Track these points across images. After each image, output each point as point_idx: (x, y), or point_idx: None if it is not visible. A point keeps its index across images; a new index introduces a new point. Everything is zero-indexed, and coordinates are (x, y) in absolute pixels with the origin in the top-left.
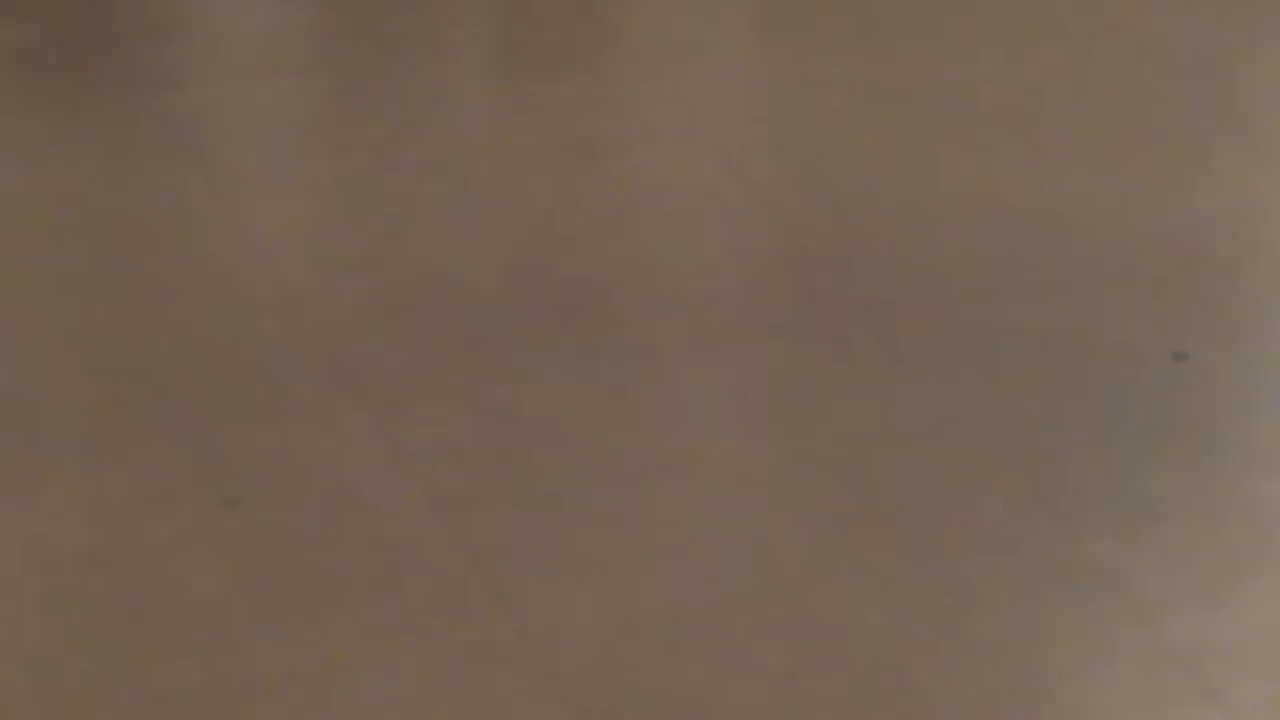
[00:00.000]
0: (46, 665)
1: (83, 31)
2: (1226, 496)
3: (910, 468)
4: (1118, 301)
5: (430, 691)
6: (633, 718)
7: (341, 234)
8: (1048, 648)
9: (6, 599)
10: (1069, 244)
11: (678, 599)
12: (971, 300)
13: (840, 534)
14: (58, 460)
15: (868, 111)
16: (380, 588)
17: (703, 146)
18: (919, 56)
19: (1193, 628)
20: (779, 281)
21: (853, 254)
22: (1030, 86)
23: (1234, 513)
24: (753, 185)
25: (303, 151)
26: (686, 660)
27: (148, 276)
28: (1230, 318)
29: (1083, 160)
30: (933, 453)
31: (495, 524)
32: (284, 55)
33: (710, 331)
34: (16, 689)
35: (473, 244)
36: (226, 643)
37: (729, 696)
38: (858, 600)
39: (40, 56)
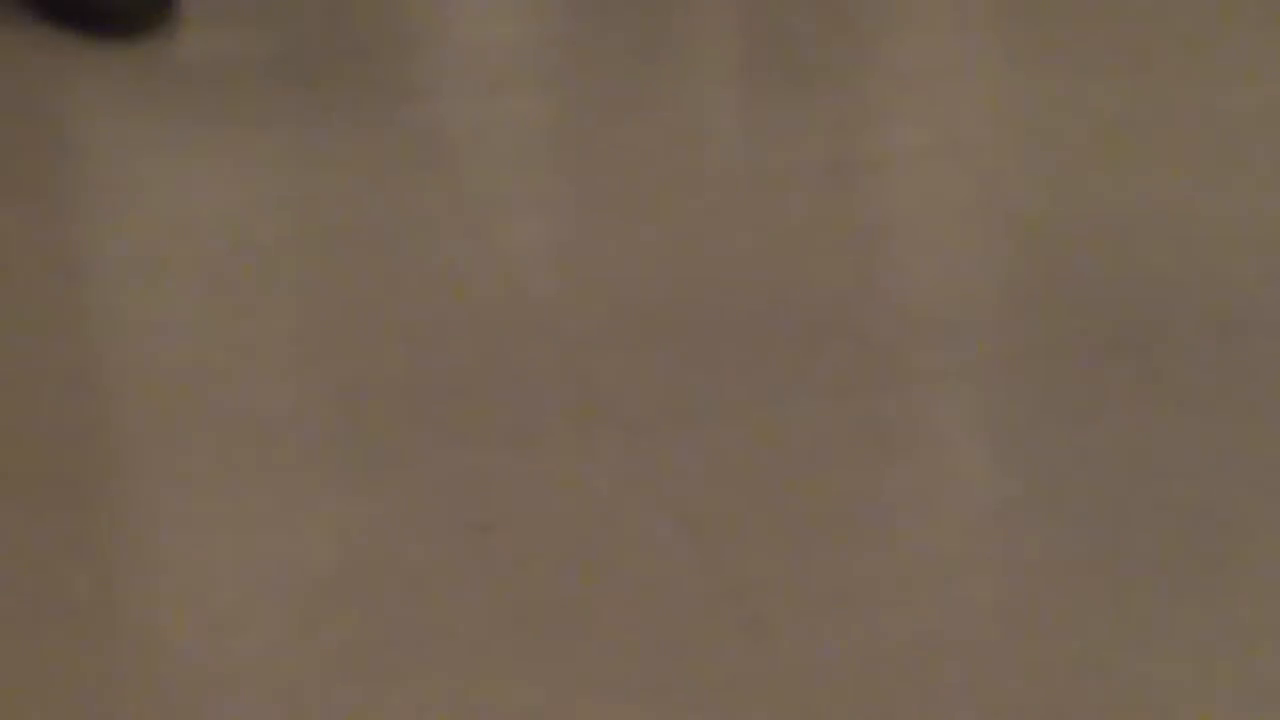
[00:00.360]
0: (296, 694)
1: (328, 42)
2: None
3: (1173, 504)
4: None
5: None
6: None
7: (589, 251)
8: None
9: (257, 624)
10: None
11: (934, 634)
12: (1236, 331)
13: (1099, 571)
14: (306, 482)
15: (1129, 135)
16: (634, 617)
17: (958, 168)
18: (1183, 80)
19: None
20: (1036, 309)
21: (1112, 281)
22: None
23: None
24: (1008, 208)
25: (550, 166)
26: (943, 698)
27: (395, 293)
28: None
29: None
30: (1196, 488)
31: (749, 553)
32: (530, 67)
33: (964, 359)
34: (262, 716)
35: (723, 264)
36: (478, 672)
37: None
38: (1119, 641)
39: (285, 67)
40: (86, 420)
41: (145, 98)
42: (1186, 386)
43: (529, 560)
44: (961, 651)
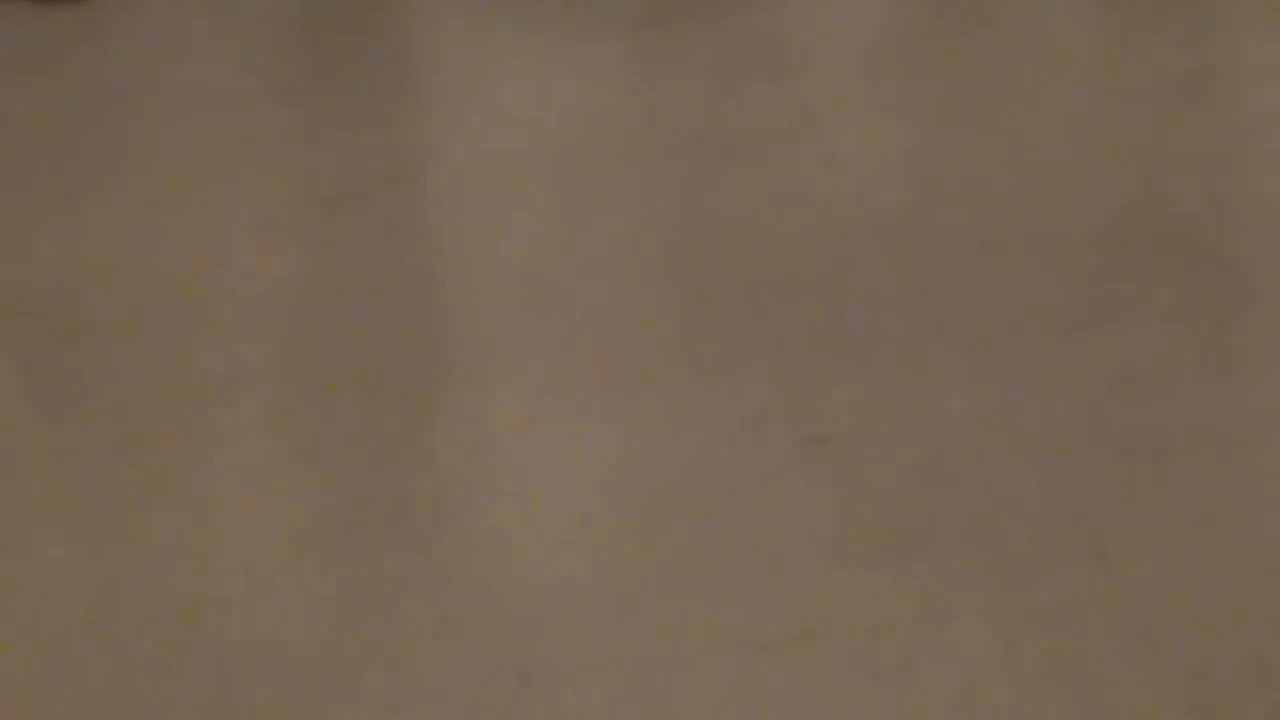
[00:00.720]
0: (631, 604)
1: None
2: None
3: None
4: None
5: (1016, 647)
6: (1232, 684)
7: (936, 163)
8: None
9: (593, 533)
10: None
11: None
12: None
13: None
14: (644, 390)
15: None
16: (972, 537)
17: None
18: None
19: None
20: None
21: None
22: None
23: None
24: None
25: (898, 74)
26: None
27: (736, 200)
28: None
29: None
30: None
31: (1092, 475)
32: None
33: None
34: (595, 621)
35: (1072, 180)
36: (811, 587)
37: None
38: None
39: None
40: (426, 323)
41: (490, 1)
42: None
43: (866, 475)
44: None
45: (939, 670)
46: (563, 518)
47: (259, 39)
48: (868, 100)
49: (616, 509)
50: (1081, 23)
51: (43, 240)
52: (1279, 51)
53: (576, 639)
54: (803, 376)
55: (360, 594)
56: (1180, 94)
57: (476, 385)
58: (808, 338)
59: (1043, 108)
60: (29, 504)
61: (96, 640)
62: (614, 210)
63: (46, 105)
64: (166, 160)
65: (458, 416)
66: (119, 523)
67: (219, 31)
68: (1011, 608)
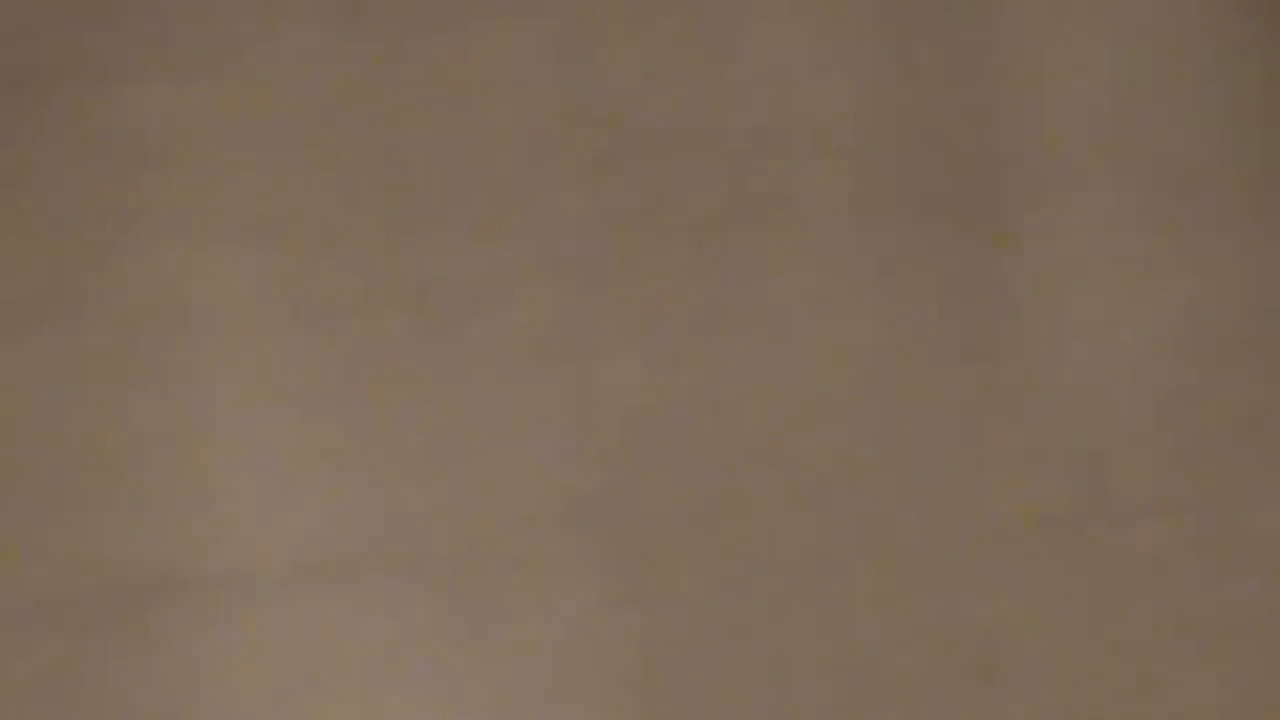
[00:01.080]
0: (1193, 447)
1: None
2: None
3: None
4: None
5: None
6: None
7: None
8: None
9: (1158, 375)
10: None
11: None
12: None
13: None
14: (1218, 234)
15: None
16: None
17: None
18: None
19: None
20: None
21: None
22: None
23: None
24: None
25: None
26: None
27: None
28: None
29: None
30: None
31: None
32: None
33: None
34: (1160, 463)
35: None
36: None
37: None
38: None
39: None
40: (997, 151)
41: None
42: None
43: None
44: None
45: None
46: (1128, 359)
47: None
48: None
49: (1183, 354)
50: None
51: (620, 53)
52: None
53: (1142, 478)
54: None
55: (926, 423)
56: None
57: (1047, 215)
58: None
59: None
60: (598, 319)
61: (661, 455)
62: (1191, 48)
63: None
64: None
65: (1026, 247)
66: (687, 340)
67: None
68: None
